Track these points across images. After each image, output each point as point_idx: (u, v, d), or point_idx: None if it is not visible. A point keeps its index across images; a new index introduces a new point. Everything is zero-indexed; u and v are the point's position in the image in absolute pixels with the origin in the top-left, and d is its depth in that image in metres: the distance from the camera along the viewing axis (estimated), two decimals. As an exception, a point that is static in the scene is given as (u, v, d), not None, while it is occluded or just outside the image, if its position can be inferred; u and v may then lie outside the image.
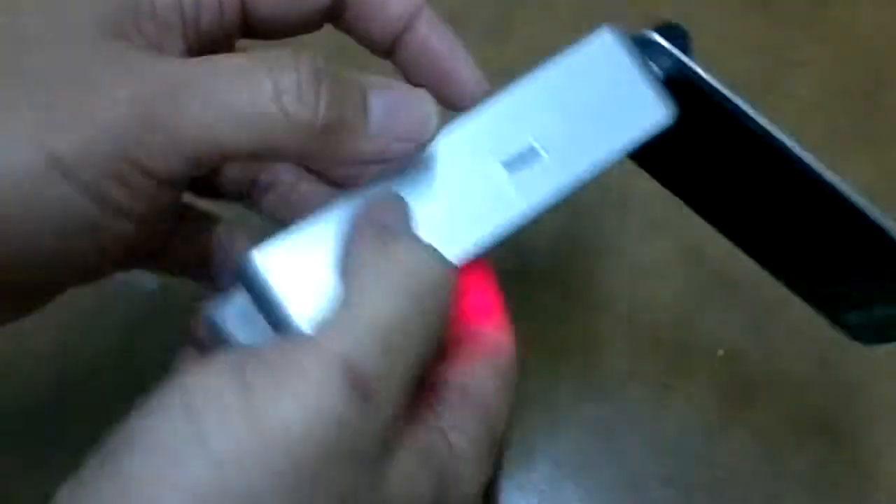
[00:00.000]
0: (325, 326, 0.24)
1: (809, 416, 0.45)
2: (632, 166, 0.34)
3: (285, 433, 0.22)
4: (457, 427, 0.26)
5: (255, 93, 0.24)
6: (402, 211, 0.27)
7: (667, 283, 0.47)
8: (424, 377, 0.26)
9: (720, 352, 0.46)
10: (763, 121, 0.30)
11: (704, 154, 0.33)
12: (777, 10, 0.53)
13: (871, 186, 0.32)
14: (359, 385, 0.23)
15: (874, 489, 0.44)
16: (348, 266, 0.26)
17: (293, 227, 0.27)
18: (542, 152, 0.29)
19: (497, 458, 0.29)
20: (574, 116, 0.29)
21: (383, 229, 0.26)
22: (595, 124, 0.29)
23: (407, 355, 0.24)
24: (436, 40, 0.31)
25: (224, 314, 0.28)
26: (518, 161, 0.29)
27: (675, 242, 0.47)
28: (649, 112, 0.30)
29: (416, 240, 0.27)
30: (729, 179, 0.33)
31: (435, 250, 0.26)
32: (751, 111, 0.30)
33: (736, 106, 0.30)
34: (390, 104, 0.26)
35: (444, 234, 0.28)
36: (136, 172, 0.24)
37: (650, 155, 0.32)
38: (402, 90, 0.27)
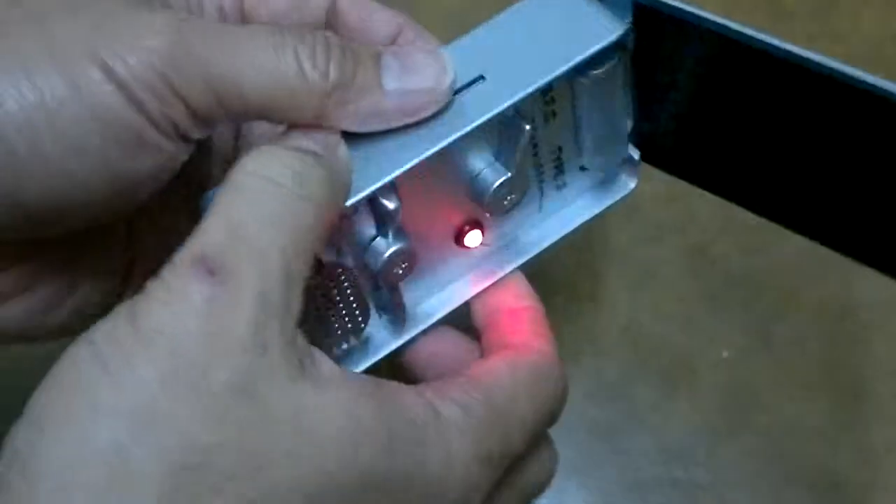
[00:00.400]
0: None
1: (813, 419, 0.45)
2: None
3: (165, 338, 0.23)
4: (454, 399, 0.27)
5: (279, 51, 0.27)
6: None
7: (672, 284, 0.47)
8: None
9: (725, 354, 0.46)
10: (758, 34, 0.27)
11: (712, 109, 0.31)
12: (784, 9, 0.53)
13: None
14: (203, 264, 0.24)
15: (880, 489, 0.44)
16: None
17: None
18: (487, 77, 0.30)
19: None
20: (522, 45, 0.30)
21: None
22: (542, 47, 0.30)
23: (260, 243, 0.25)
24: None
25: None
26: (464, 89, 0.29)
27: (680, 244, 0.47)
28: (598, 31, 0.30)
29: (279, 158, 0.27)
30: (745, 131, 0.30)
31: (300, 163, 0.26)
32: (739, 27, 0.28)
33: (723, 26, 0.28)
34: (405, 63, 0.28)
35: (382, 157, 0.28)
36: (171, 93, 0.26)
37: (662, 146, 0.33)
38: (417, 50, 0.29)
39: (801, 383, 0.46)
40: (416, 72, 0.28)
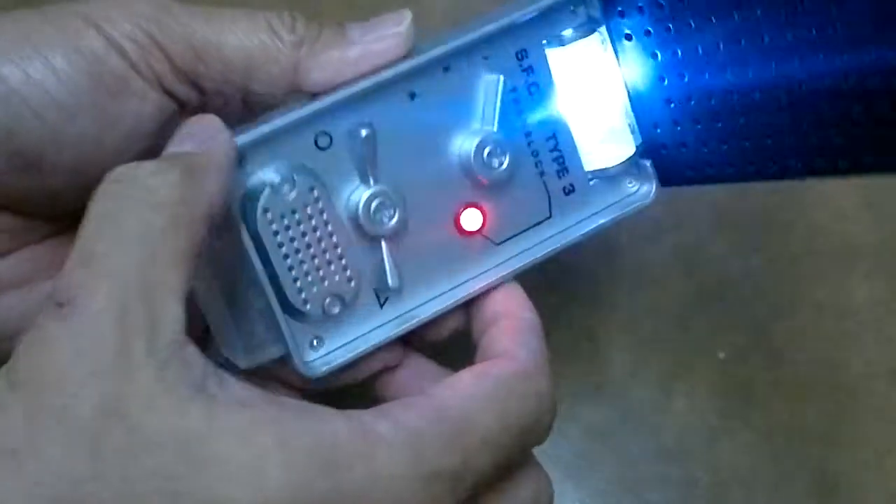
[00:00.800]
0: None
1: (810, 418, 0.45)
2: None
3: (32, 379, 0.23)
4: (389, 416, 0.25)
5: (252, 17, 0.30)
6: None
7: (668, 284, 0.47)
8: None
9: (721, 354, 0.46)
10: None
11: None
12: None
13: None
14: (53, 298, 0.24)
15: (878, 491, 0.44)
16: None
17: (265, 119, 0.30)
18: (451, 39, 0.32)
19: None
20: (496, 14, 0.32)
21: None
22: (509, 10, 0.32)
23: (109, 263, 0.24)
24: None
25: None
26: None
27: (676, 244, 0.47)
28: None
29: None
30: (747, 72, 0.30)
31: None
32: None
33: None
34: (367, 24, 0.31)
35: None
36: (153, 45, 0.29)
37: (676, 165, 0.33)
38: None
39: (797, 383, 0.45)
40: (378, 22, 0.30)
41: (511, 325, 0.31)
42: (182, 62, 0.29)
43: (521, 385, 0.28)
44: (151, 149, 0.29)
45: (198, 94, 0.30)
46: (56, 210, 0.31)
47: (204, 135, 0.28)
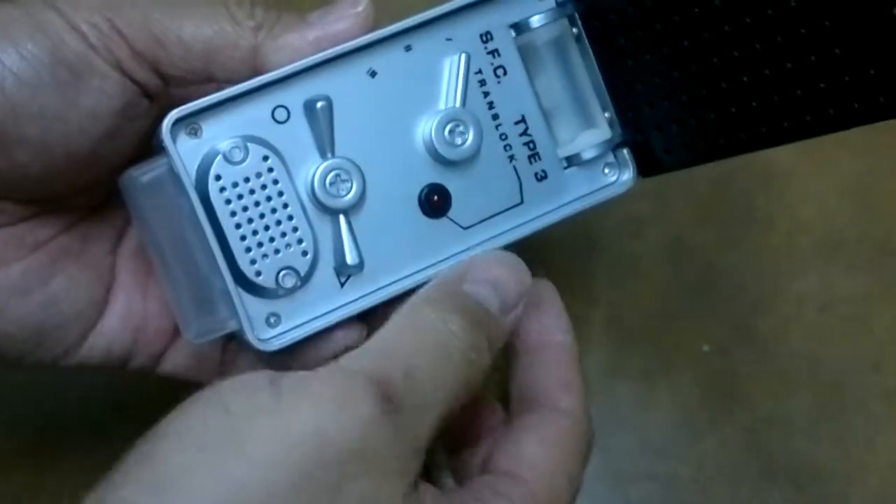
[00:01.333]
0: (352, 354, 0.27)
1: (795, 411, 0.45)
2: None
3: (315, 434, 0.24)
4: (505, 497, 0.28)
5: (210, 7, 0.30)
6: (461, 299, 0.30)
7: (651, 278, 0.47)
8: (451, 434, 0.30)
9: (706, 347, 0.46)
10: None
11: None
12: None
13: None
14: (386, 393, 0.25)
15: (860, 483, 0.44)
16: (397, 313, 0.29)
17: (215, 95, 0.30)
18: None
19: None
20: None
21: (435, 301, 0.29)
22: None
23: (434, 388, 0.27)
24: None
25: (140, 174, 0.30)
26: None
27: (659, 238, 0.47)
28: None
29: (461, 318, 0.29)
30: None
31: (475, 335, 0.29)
32: None
33: None
34: (325, 8, 0.31)
35: None
36: (112, 30, 0.29)
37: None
38: None
39: (781, 377, 0.46)
40: (336, 4, 0.31)
41: (552, 358, 0.32)
42: (142, 47, 0.30)
43: (580, 442, 0.31)
44: (116, 127, 0.30)
45: (159, 80, 0.30)
46: (26, 191, 0.31)
47: (502, 298, 0.30)
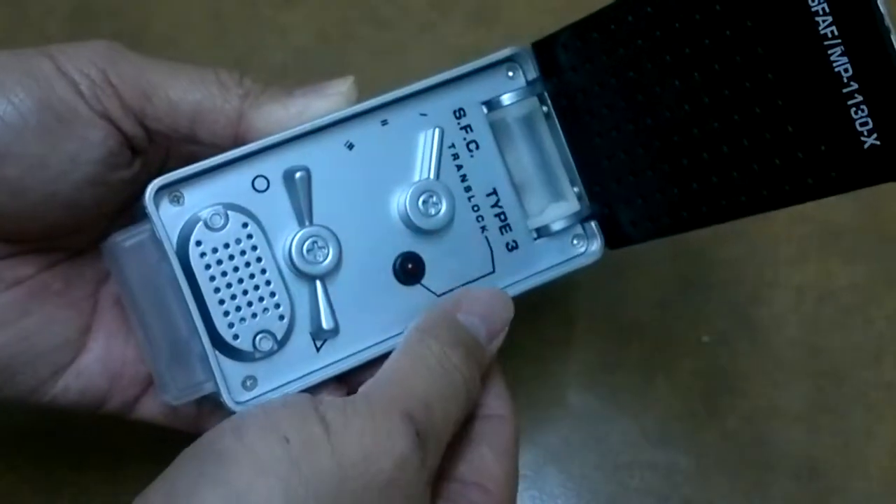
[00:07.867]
0: (378, 385, 0.30)
1: (793, 403, 0.45)
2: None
3: (364, 465, 0.27)
4: None
5: (201, 71, 0.31)
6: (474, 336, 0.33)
7: (651, 269, 0.47)
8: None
9: (705, 338, 0.46)
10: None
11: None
12: None
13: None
14: (417, 428, 0.28)
15: (860, 474, 0.44)
16: (412, 337, 0.32)
17: (196, 165, 0.31)
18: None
19: None
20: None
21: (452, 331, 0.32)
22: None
23: (445, 418, 0.30)
24: None
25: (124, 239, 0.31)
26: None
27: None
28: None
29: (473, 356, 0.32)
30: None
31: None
32: None
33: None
34: (310, 84, 0.32)
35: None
36: (103, 80, 0.30)
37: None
38: None
39: (780, 368, 0.46)
40: (322, 83, 0.32)
41: (494, 447, 0.33)
42: (131, 101, 0.30)
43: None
44: (98, 175, 0.31)
45: (145, 133, 0.31)
46: (3, 230, 0.31)
47: (491, 326, 0.33)
